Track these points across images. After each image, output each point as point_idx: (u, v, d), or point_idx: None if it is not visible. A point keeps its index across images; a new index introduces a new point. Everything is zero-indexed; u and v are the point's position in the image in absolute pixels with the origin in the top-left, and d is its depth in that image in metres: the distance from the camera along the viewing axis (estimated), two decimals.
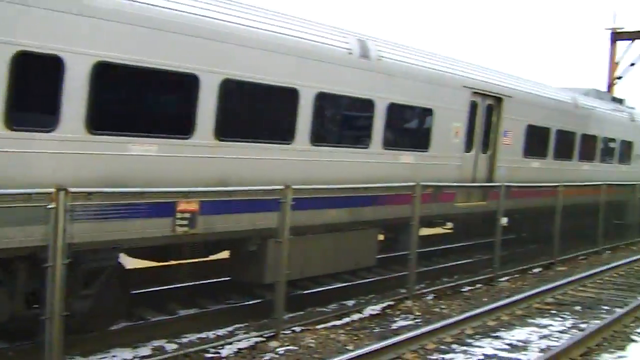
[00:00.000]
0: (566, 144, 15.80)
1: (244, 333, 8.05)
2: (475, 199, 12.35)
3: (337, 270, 9.92)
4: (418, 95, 10.64)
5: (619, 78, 33.75)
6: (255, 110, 8.25)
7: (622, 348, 7.83)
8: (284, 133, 8.56)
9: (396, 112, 10.20)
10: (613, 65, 34.06)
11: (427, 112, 10.98)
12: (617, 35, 33.91)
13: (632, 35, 33.22)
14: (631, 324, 8.99)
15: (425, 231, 12.04)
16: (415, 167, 10.64)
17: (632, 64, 33.32)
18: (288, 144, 8.55)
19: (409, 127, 11.14)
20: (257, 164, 8.03)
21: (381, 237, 11.25)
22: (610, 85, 33.46)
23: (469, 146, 12.21)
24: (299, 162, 8.66)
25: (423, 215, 10.07)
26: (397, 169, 10.27)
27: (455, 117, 11.59)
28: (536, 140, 14.45)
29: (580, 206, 15.47)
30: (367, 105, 9.69)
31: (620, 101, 20.97)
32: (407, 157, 10.53)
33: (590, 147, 17.10)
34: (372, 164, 9.87)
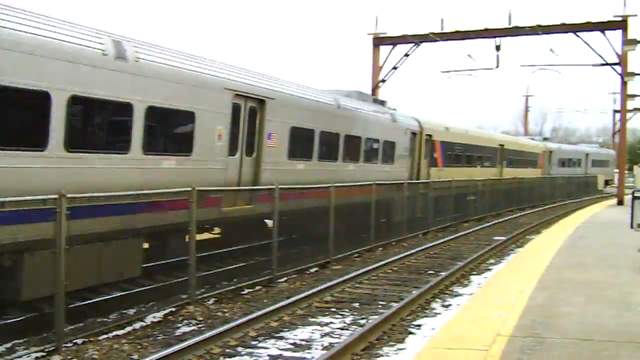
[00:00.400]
0: (330, 145, 18.89)
1: (24, 349, 8.74)
2: (241, 202, 14.42)
3: (100, 282, 11.05)
4: (179, 98, 12.26)
5: (383, 81, 39.64)
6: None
7: (402, 341, 9.52)
8: (33, 139, 9.45)
9: (156, 115, 11.69)
10: (377, 69, 39.87)
11: (189, 115, 12.69)
12: (379, 40, 39.81)
13: (394, 40, 39.34)
14: (408, 317, 10.95)
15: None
16: (178, 172, 12.23)
17: (395, 68, 39.40)
18: (40, 150, 9.49)
19: (171, 131, 12.71)
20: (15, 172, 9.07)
21: (146, 245, 12.60)
22: (375, 88, 39.15)
23: (233, 149, 14.25)
24: (51, 169, 9.60)
25: (187, 222, 11.67)
26: (159, 175, 11.74)
27: (218, 120, 13.50)
28: (301, 142, 17.16)
29: (351, 206, 18.80)
30: (125, 108, 11.00)
31: (382, 102, 25.28)
32: (170, 162, 12.13)
33: (355, 148, 20.55)
34: (133, 169, 11.19)
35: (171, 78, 12.03)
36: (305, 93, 17.64)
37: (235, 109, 14.21)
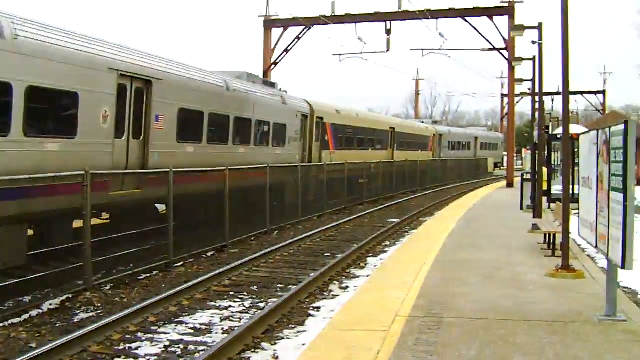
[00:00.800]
0: (220, 128, 19.12)
1: None
2: (130, 186, 14.47)
3: None
4: (61, 77, 12.18)
5: (275, 64, 40.13)
6: None
7: (301, 323, 9.93)
8: None
9: (38, 96, 11.58)
10: (268, 51, 40.35)
11: (73, 96, 12.62)
12: (270, 23, 40.30)
13: (284, 23, 39.94)
14: (306, 300, 11.41)
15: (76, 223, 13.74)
16: (62, 156, 12.17)
17: (287, 50, 40.00)
18: None
19: (54, 113, 12.59)
20: None
21: (31, 232, 12.55)
22: (267, 71, 39.60)
23: (119, 132, 14.26)
24: None
25: (75, 206, 11.78)
26: (42, 158, 11.68)
27: (103, 102, 13.47)
28: (190, 125, 17.30)
29: (246, 189, 19.22)
30: (3, 88, 10.87)
31: (272, 85, 25.72)
32: (53, 145, 12.04)
33: (245, 131, 20.87)
34: (13, 152, 11.10)
35: (52, 56, 11.91)
36: (194, 74, 17.75)
37: (121, 90, 14.20)
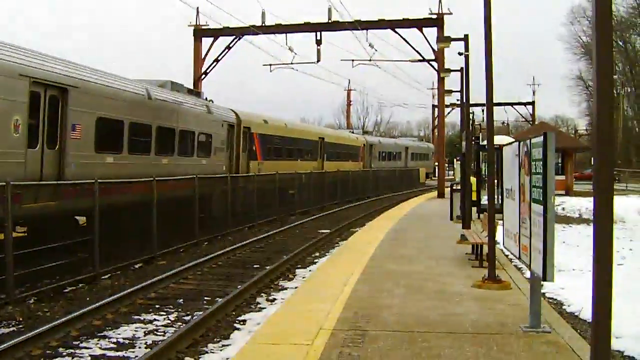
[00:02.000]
0: (142, 138, 18.86)
1: None
2: (45, 198, 14.05)
3: None
4: None
5: (205, 74, 39.82)
6: None
7: (227, 337, 9.94)
8: None
9: None
10: (198, 61, 40.04)
11: None
12: (201, 32, 40.08)
13: (215, 33, 39.80)
14: (233, 312, 11.42)
15: None
16: None
17: (217, 60, 39.77)
18: None
19: None
20: None
21: None
22: (197, 81, 39.26)
23: (33, 142, 13.85)
24: None
25: None
26: None
27: (13, 110, 13.05)
28: (109, 134, 17.00)
29: (174, 200, 19.23)
30: None
31: (197, 94, 25.52)
32: None
33: (168, 140, 20.68)
34: None
35: None
36: (113, 82, 17.45)
37: (34, 98, 13.82)
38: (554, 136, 7.65)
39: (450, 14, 38.26)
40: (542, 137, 7.60)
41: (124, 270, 15.65)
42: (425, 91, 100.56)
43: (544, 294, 11.43)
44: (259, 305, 12.30)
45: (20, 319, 10.89)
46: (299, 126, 41.54)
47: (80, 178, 14.88)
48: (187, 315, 11.42)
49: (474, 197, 22.88)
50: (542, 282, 8.49)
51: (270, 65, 42.01)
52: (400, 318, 9.07)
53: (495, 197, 14.41)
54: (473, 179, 23.43)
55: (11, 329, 10.41)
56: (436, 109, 62.70)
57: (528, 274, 12.54)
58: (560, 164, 39.04)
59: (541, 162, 7.55)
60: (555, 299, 11.85)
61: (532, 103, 74.38)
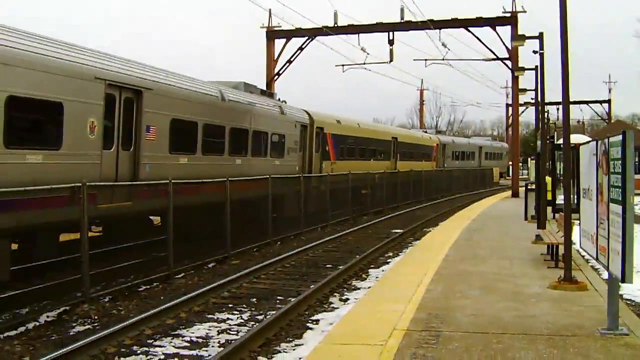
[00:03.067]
0: (215, 139, 18.97)
1: None
2: (120, 199, 14.23)
3: None
4: (44, 87, 11.93)
5: (278, 74, 40.00)
6: None
7: (299, 336, 9.91)
8: None
9: (19, 106, 11.34)
10: (271, 62, 40.23)
11: (57, 106, 12.35)
12: (273, 34, 40.25)
13: (287, 34, 39.91)
14: (305, 312, 11.39)
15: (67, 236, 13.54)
16: (45, 167, 11.92)
17: (290, 61, 39.88)
18: None
19: (37, 123, 12.35)
20: None
21: (15, 246, 12.45)
22: (270, 82, 39.45)
23: (108, 143, 14.04)
24: None
25: (64, 220, 11.59)
26: (23, 170, 11.41)
27: (90, 112, 13.23)
28: (183, 135, 17.14)
29: (247, 200, 19.41)
30: None
31: (270, 95, 25.58)
32: (36, 157, 11.77)
33: (242, 141, 20.75)
34: None
35: (35, 65, 11.67)
36: (187, 84, 17.60)
37: (109, 100, 13.98)
38: (633, 134, 7.32)
39: (524, 12, 37.21)
40: (620, 135, 7.32)
41: (198, 269, 15.78)
42: (499, 90, 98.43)
43: (621, 295, 10.97)
44: (331, 305, 12.22)
45: (96, 317, 11.05)
46: (371, 126, 41.28)
47: (154, 179, 15.00)
48: (260, 314, 11.40)
49: (549, 197, 22.14)
50: (620, 284, 8.18)
51: (343, 65, 41.82)
52: (475, 319, 8.85)
53: (571, 196, 13.84)
54: (548, 179, 22.69)
55: (86, 327, 10.58)
56: (510, 108, 61.35)
57: (605, 275, 12.04)
58: (638, 163, 37.45)
59: (620, 161, 7.28)
60: (634, 301, 11.46)
61: (609, 101, 71.68)
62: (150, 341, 9.62)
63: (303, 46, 39.99)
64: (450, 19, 38.33)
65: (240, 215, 18.63)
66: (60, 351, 8.41)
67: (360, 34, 38.50)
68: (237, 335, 9.99)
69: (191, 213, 17.09)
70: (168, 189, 14.79)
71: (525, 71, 32.01)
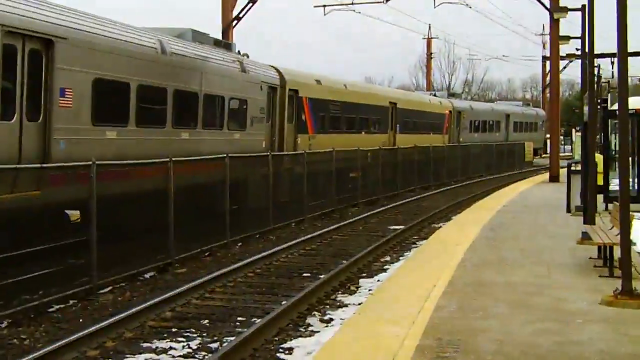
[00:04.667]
0: (154, 105, 19.02)
1: None
2: (24, 187, 14.17)
3: None
4: None
5: (238, 19, 39.62)
6: None
7: None
8: None
9: None
10: (228, 2, 39.76)
11: None
12: None
13: None
14: (275, 338, 11.50)
15: None
16: None
17: (253, 1, 39.50)
18: None
19: None
20: None
21: None
22: (228, 29, 39.05)
23: (7, 112, 13.96)
24: None
25: None
26: None
27: None
28: (110, 101, 17.14)
29: (197, 187, 19.49)
30: None
31: (227, 46, 25.39)
32: None
33: (190, 109, 20.81)
34: None
35: None
36: (114, 32, 17.52)
37: (8, 53, 13.89)
38: None
39: None
40: None
41: (131, 281, 15.70)
42: (532, 38, 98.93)
43: None
44: (310, 328, 12.31)
45: None
46: (363, 88, 41.30)
47: (72, 159, 14.90)
48: (214, 341, 11.42)
49: (599, 181, 22.19)
50: None
51: (324, 6, 41.72)
52: (501, 347, 8.88)
53: (630, 180, 13.87)
54: (599, 157, 22.73)
55: None
56: (547, 63, 61.54)
57: None
58: None
59: None
60: None
61: None
62: None
63: None
64: None
65: (188, 208, 18.64)
66: None
67: None
68: None
69: (122, 205, 16.99)
70: (90, 173, 14.62)
71: (569, 12, 32.05)
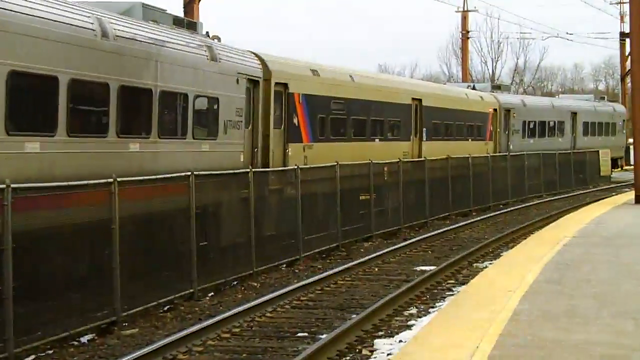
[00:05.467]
0: (93, 107, 19.23)
1: None
2: None
3: None
4: None
5: None
6: None
7: None
8: None
9: None
10: None
11: None
12: None
13: None
14: None
15: None
16: None
17: None
18: None
19: None
20: None
21: None
22: (191, 3, 39.33)
23: None
24: None
25: None
26: None
27: None
28: (31, 102, 17.22)
29: (152, 218, 19.68)
30: None
31: (191, 26, 25.34)
32: None
33: (141, 111, 20.93)
34: None
35: None
36: (37, 8, 17.42)
37: None
38: None
39: None
40: None
41: (62, 347, 15.72)
42: (606, 9, 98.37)
43: None
44: None
45: None
46: (376, 80, 41.24)
47: None
48: None
49: None
50: None
51: None
52: None
53: None
54: None
55: None
56: (627, 42, 61.69)
57: None
58: None
59: None
60: None
61: None
62: None
63: None
64: None
65: (139, 246, 18.76)
66: None
67: None
68: None
69: (50, 243, 16.91)
70: (4, 200, 14.63)
71: None
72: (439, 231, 33.69)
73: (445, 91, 50.34)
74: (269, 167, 27.10)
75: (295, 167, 27.30)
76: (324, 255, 27.06)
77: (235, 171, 24.13)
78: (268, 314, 18.58)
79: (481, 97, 53.12)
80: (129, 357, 14.20)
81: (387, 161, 34.02)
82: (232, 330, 17.02)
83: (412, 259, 26.84)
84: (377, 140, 36.53)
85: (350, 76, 35.73)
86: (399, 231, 33.07)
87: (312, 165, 28.67)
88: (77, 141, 18.25)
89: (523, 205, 45.62)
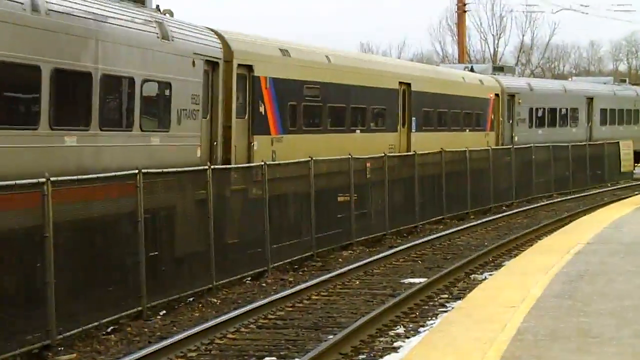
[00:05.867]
0: (22, 94, 19.24)
1: None
2: None
3: None
4: None
5: None
6: None
7: None
8: None
9: None
10: None
11: None
12: None
13: None
14: None
15: None
16: None
17: None
18: None
19: None
20: None
21: None
22: None
23: None
24: None
25: None
26: None
27: None
28: None
29: (92, 224, 19.76)
30: None
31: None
32: None
33: (78, 98, 21.06)
34: None
35: None
36: None
37: None
38: None
39: None
40: None
41: None
42: None
43: None
44: None
45: None
46: (357, 61, 41.39)
47: None
48: None
49: None
50: None
51: None
52: None
53: None
54: None
55: None
56: None
57: None
58: None
59: None
60: None
61: None
62: None
63: None
64: None
65: (77, 258, 18.76)
66: None
67: None
68: None
69: None
70: None
71: None
72: (430, 237, 33.95)
73: (438, 74, 50.50)
74: (230, 164, 27.21)
75: (262, 163, 27.40)
76: (295, 267, 27.25)
77: (191, 168, 24.19)
78: (230, 335, 18.67)
79: (481, 80, 53.28)
80: None
81: (370, 156, 34.25)
82: (187, 354, 17.11)
83: (399, 270, 27.08)
84: (358, 131, 36.68)
85: (327, 57, 35.81)
86: (383, 238, 33.35)
87: (281, 162, 28.74)
88: (1, 134, 18.18)
89: (529, 206, 45.96)
